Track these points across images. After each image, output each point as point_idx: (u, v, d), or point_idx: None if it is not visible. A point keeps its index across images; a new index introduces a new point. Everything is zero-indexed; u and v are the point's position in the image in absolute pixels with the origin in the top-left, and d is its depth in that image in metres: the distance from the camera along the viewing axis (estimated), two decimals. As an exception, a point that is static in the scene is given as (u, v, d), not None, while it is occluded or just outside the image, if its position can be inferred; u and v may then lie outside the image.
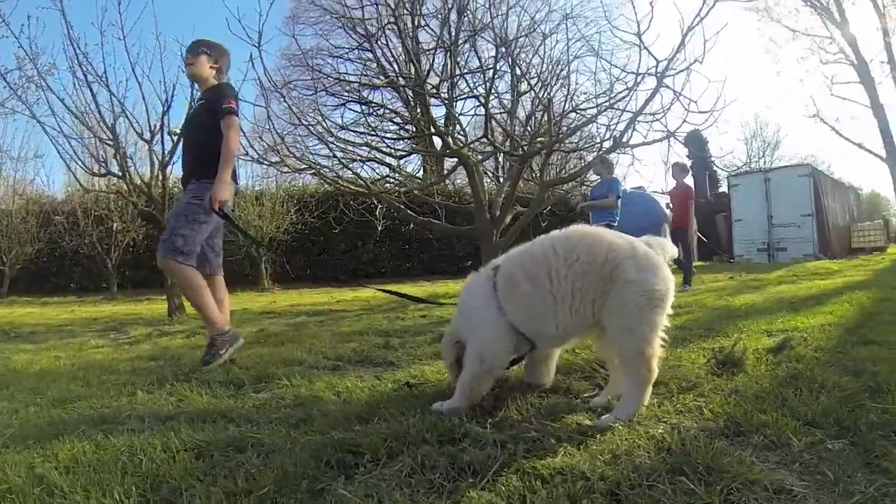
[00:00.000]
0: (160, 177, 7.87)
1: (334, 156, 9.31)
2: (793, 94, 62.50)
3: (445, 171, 14.62)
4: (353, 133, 10.40)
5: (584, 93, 10.85)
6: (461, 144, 9.74)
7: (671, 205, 9.70)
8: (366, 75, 15.79)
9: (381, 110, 14.61)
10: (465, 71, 11.76)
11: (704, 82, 7.40)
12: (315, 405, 2.40)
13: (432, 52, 12.23)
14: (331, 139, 9.18)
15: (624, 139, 8.24)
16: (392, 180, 10.82)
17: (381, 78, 13.86)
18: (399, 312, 6.34)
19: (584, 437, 1.84)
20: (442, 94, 10.38)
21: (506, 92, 11.65)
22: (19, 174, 18.56)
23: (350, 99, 16.70)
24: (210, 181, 3.59)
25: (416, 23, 11.97)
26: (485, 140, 9.87)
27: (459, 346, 2.37)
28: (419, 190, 11.00)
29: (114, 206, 15.59)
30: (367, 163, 10.37)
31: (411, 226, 15.02)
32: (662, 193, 16.05)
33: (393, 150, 10.77)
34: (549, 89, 10.01)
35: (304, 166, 9.20)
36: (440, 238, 17.61)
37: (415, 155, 14.48)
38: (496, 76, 10.38)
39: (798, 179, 17.04)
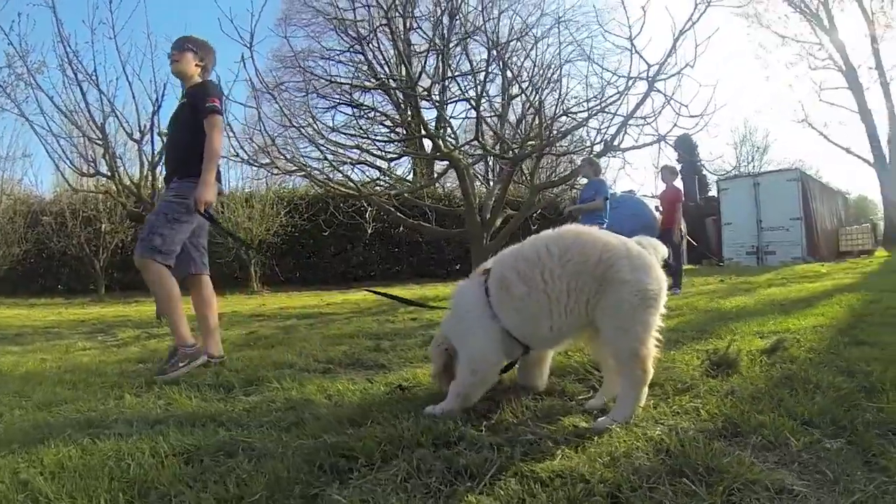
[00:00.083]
0: (149, 177, 7.81)
1: (325, 158, 9.29)
2: (782, 99, 62.98)
3: (435, 174, 14.62)
4: (343, 135, 10.37)
5: (575, 97, 10.90)
6: (452, 147, 9.74)
7: (660, 208, 9.74)
8: (357, 77, 15.77)
9: (372, 113, 14.59)
10: (457, 74, 11.77)
11: (695, 87, 7.49)
12: (306, 408, 2.36)
13: (424, 54, 12.23)
14: (321, 141, 9.17)
15: (615, 142, 8.29)
16: (382, 183, 10.80)
17: (373, 80, 13.83)
18: (389, 315, 6.30)
19: (581, 440, 1.82)
20: (433, 97, 10.38)
21: (497, 95, 11.68)
22: (7, 173, 18.34)
23: (341, 101, 16.70)
24: (193, 180, 3.51)
25: (407, 25, 11.98)
26: (475, 143, 9.88)
27: (448, 353, 2.34)
28: (409, 193, 10.99)
29: (102, 207, 15.49)
30: (358, 165, 10.35)
31: (401, 229, 15.02)
32: (652, 197, 16.14)
33: (383, 153, 10.75)
34: (540, 93, 10.05)
35: (294, 168, 9.17)
36: (429, 241, 17.59)
37: (405, 158, 14.48)
38: (487, 79, 10.42)
39: (787, 184, 17.20)
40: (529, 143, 9.74)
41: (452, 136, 11.42)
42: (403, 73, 10.32)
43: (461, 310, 2.35)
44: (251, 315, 7.54)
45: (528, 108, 10.50)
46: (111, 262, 15.84)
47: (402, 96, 12.68)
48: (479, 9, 10.15)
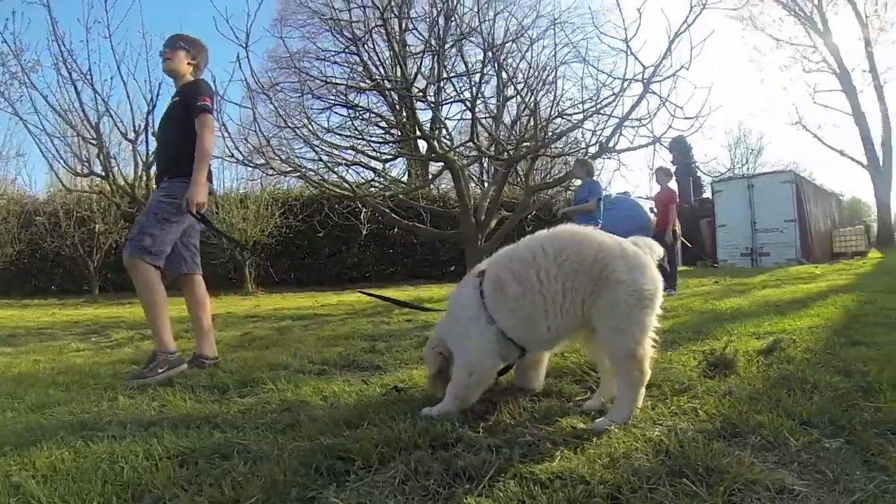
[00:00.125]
0: (144, 178, 7.79)
1: (320, 159, 9.27)
2: (776, 101, 63.58)
3: (430, 176, 14.61)
4: (338, 136, 10.35)
5: (570, 98, 10.91)
6: (447, 148, 9.74)
7: (655, 209, 9.75)
8: (352, 78, 15.75)
9: (367, 114, 14.57)
10: (452, 75, 11.76)
11: (690, 89, 7.49)
12: (302, 410, 2.34)
13: (419, 55, 12.22)
14: (316, 142, 9.15)
15: (610, 144, 8.29)
16: (377, 184, 10.79)
17: (368, 81, 13.81)
18: (384, 317, 6.28)
19: (580, 441, 1.80)
20: (428, 98, 10.37)
21: (492, 96, 11.67)
22: (0, 173, 18.25)
23: (336, 102, 16.67)
24: (183, 180, 3.44)
25: (403, 26, 11.97)
26: (470, 144, 9.88)
27: (443, 356, 2.32)
28: (404, 194, 10.98)
29: (96, 208, 15.42)
30: (353, 166, 10.33)
31: (395, 230, 14.99)
32: (647, 199, 16.18)
33: (378, 154, 10.74)
34: (535, 94, 10.05)
35: (289, 169, 9.15)
36: (424, 243, 17.58)
37: (400, 159, 14.46)
38: (483, 81, 10.41)
39: (781, 185, 17.30)
40: (524, 144, 9.75)
41: (447, 137, 11.47)
42: (399, 74, 10.31)
43: (457, 311, 2.33)
44: (246, 316, 7.50)
45: (524, 110, 10.53)
46: (105, 263, 15.75)
47: (397, 97, 12.66)
48: (475, 10, 10.14)
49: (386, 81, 12.48)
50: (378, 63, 13.28)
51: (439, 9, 10.35)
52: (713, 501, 1.37)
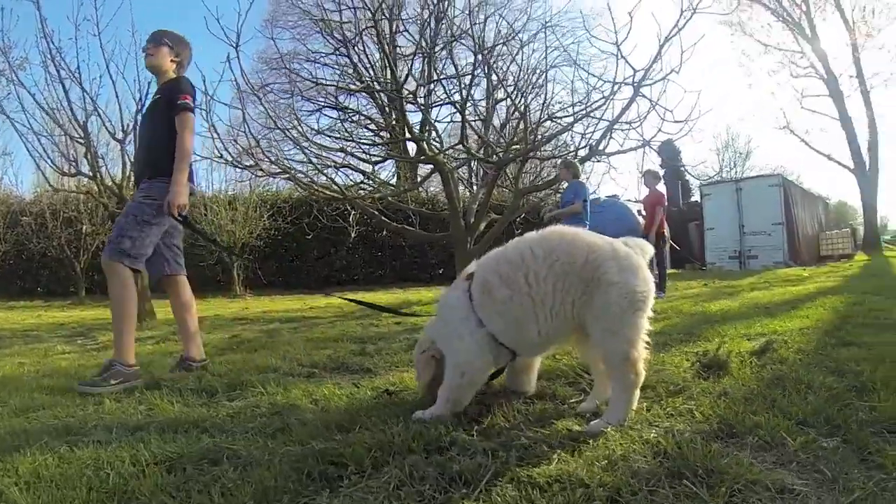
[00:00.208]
0: (132, 178, 7.66)
1: (309, 161, 9.20)
2: (764, 106, 64.09)
3: (420, 178, 14.60)
4: (328, 138, 10.29)
5: (560, 101, 10.94)
6: (437, 151, 9.71)
7: (643, 212, 9.78)
8: (342, 80, 15.71)
9: (357, 116, 14.52)
10: (442, 77, 11.74)
11: (680, 92, 7.51)
12: (292, 413, 2.30)
13: (410, 57, 12.21)
14: (306, 144, 9.08)
15: (600, 147, 8.31)
16: (366, 186, 10.74)
17: (358, 83, 13.77)
18: (373, 319, 6.24)
19: (576, 444, 1.78)
20: (418, 100, 10.34)
21: (482, 99, 11.67)
22: (-14, 172, 17.96)
23: (326, 104, 16.61)
24: (163, 181, 3.35)
25: (394, 28, 11.95)
26: (460, 147, 9.86)
27: (434, 359, 2.29)
28: (393, 196, 10.94)
29: (83, 208, 15.23)
30: (342, 168, 10.27)
31: (384, 233, 14.95)
32: (636, 202, 16.26)
33: (368, 156, 10.70)
34: (525, 97, 10.06)
35: (278, 170, 9.08)
36: (413, 245, 17.54)
37: (389, 161, 14.44)
38: (473, 83, 10.40)
39: (768, 189, 17.46)
40: (514, 147, 9.75)
41: (437, 139, 11.40)
42: (389, 76, 10.29)
43: (446, 314, 2.30)
44: (234, 319, 7.44)
45: (513, 113, 10.54)
46: (92, 265, 15.51)
47: (386, 99, 12.63)
48: (466, 13, 10.14)
49: (376, 83, 12.44)
50: (368, 65, 13.25)
51: (430, 11, 10.32)
52: (714, 502, 1.36)
